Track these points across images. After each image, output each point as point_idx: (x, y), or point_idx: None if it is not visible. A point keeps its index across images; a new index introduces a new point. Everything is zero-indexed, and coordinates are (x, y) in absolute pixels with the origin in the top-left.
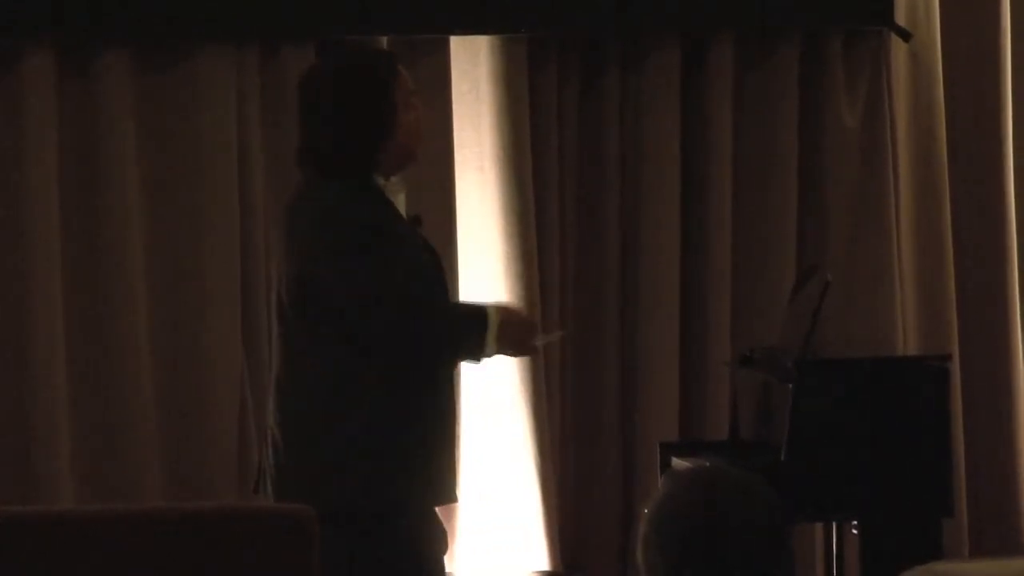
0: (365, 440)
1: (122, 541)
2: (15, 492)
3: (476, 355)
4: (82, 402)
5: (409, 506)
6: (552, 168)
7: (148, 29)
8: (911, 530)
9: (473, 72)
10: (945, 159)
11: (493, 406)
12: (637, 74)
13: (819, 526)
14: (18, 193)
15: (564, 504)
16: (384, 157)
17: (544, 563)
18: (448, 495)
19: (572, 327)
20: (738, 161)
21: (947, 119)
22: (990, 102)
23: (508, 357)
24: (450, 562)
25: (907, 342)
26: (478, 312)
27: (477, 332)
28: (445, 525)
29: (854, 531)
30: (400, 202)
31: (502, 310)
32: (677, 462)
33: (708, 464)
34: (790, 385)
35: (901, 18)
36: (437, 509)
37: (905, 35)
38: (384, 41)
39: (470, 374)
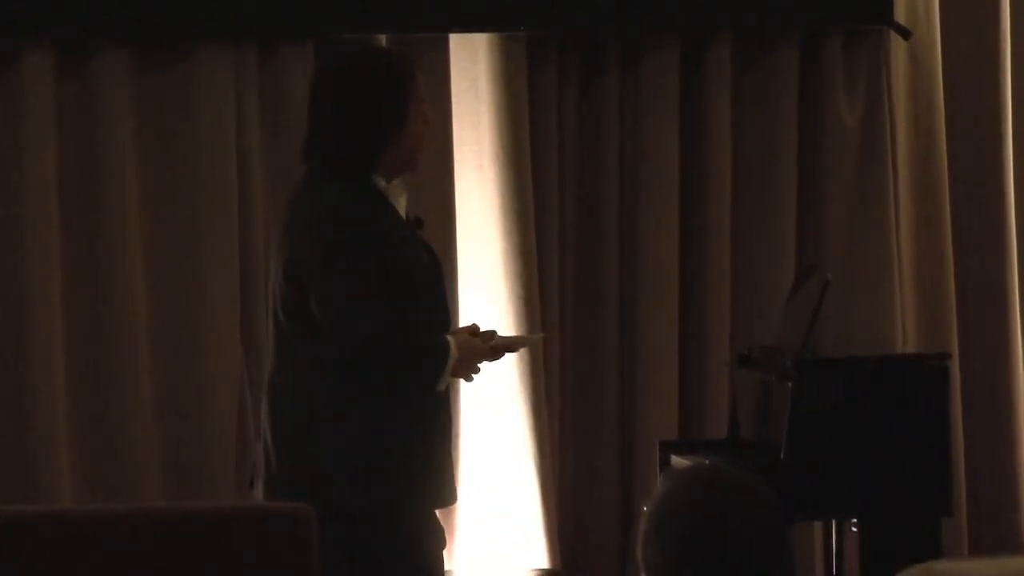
0: (357, 441)
1: (121, 541)
2: (15, 491)
3: (430, 387)
4: (82, 401)
5: (404, 507)
6: (551, 167)
7: (147, 28)
8: (910, 529)
9: (472, 70)
10: (945, 159)
11: (493, 404)
12: (636, 73)
13: (819, 525)
14: (17, 192)
15: (563, 503)
16: (387, 160)
17: (543, 561)
18: (445, 497)
19: (572, 325)
20: (737, 160)
21: (947, 119)
22: (990, 102)
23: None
24: (449, 560)
25: (906, 342)
26: (439, 349)
27: (435, 369)
28: (444, 524)
29: (854, 529)
30: (401, 204)
31: (462, 344)
32: (676, 461)
33: (707, 463)
34: (789, 384)
35: (901, 18)
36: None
37: (905, 33)
38: (383, 39)
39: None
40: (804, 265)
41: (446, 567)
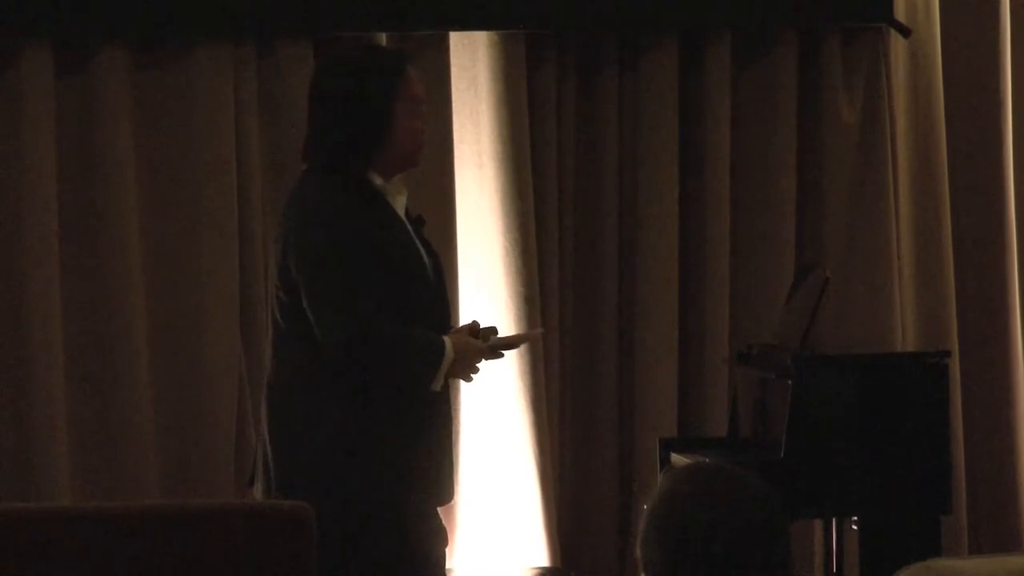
0: (353, 439)
1: (121, 540)
2: (14, 489)
3: (424, 387)
4: (80, 400)
5: (403, 504)
6: (551, 164)
7: (145, 26)
8: (910, 527)
9: (472, 69)
10: (945, 158)
11: (492, 403)
12: (636, 71)
13: (818, 523)
14: (16, 190)
15: (563, 501)
16: (379, 157)
17: (543, 559)
18: (443, 493)
19: (571, 323)
20: (737, 158)
21: (947, 118)
22: (990, 102)
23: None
24: (449, 559)
25: (906, 339)
26: (434, 349)
27: (429, 369)
28: (445, 523)
29: (853, 528)
30: (400, 204)
31: (459, 344)
32: (676, 459)
33: (707, 461)
34: (789, 382)
35: (901, 16)
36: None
37: (905, 31)
38: (383, 38)
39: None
40: (803, 263)
41: (446, 566)
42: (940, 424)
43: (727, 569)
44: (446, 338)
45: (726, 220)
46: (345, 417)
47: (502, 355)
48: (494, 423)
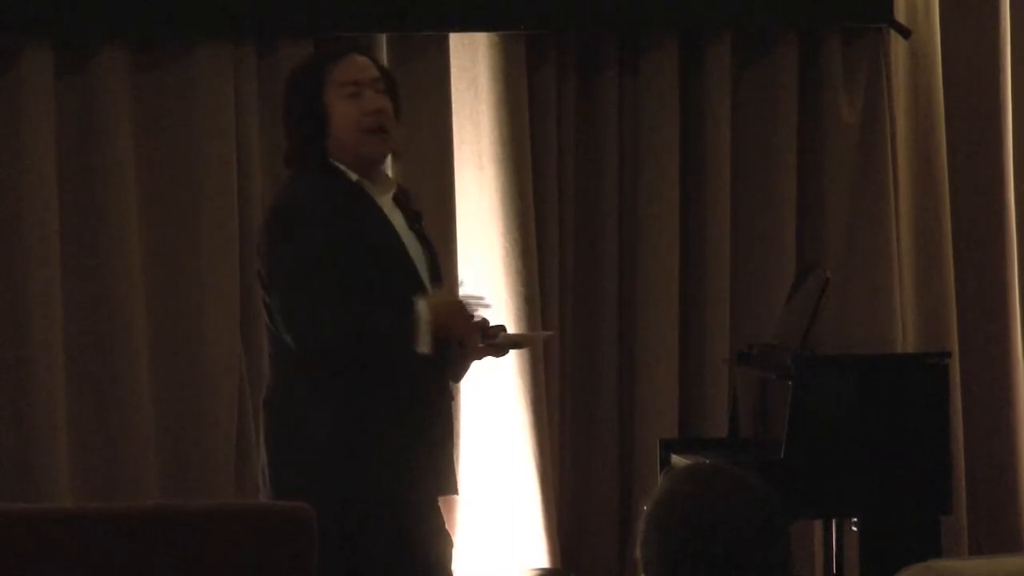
0: (349, 437)
1: (120, 539)
2: (14, 490)
3: (411, 353)
4: (80, 400)
5: (401, 503)
6: (551, 165)
7: (145, 26)
8: (910, 527)
9: (472, 69)
10: (945, 158)
11: (493, 403)
12: (636, 72)
13: (819, 523)
14: (16, 190)
15: (563, 501)
16: (332, 147)
17: (543, 560)
18: (445, 486)
19: (571, 323)
20: (737, 158)
21: (947, 118)
22: (990, 101)
23: (462, 356)
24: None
25: (906, 340)
26: (403, 313)
27: (406, 332)
28: (447, 524)
29: (853, 528)
30: (385, 202)
31: (435, 304)
32: (677, 459)
33: (707, 461)
34: (789, 382)
35: (901, 16)
36: (439, 508)
37: (905, 32)
38: (383, 38)
39: (469, 372)
40: (804, 263)
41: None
42: (940, 424)
43: (727, 569)
44: (418, 299)
45: (726, 220)
46: (344, 416)
47: (505, 352)
48: (494, 423)
